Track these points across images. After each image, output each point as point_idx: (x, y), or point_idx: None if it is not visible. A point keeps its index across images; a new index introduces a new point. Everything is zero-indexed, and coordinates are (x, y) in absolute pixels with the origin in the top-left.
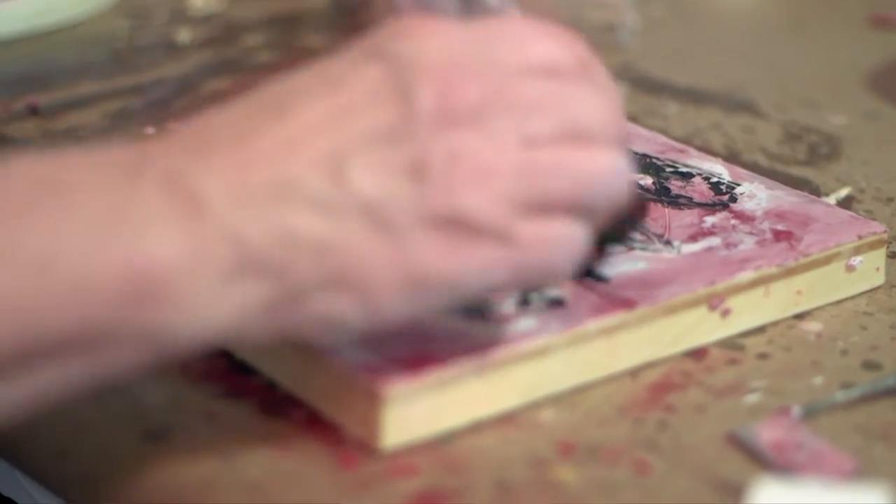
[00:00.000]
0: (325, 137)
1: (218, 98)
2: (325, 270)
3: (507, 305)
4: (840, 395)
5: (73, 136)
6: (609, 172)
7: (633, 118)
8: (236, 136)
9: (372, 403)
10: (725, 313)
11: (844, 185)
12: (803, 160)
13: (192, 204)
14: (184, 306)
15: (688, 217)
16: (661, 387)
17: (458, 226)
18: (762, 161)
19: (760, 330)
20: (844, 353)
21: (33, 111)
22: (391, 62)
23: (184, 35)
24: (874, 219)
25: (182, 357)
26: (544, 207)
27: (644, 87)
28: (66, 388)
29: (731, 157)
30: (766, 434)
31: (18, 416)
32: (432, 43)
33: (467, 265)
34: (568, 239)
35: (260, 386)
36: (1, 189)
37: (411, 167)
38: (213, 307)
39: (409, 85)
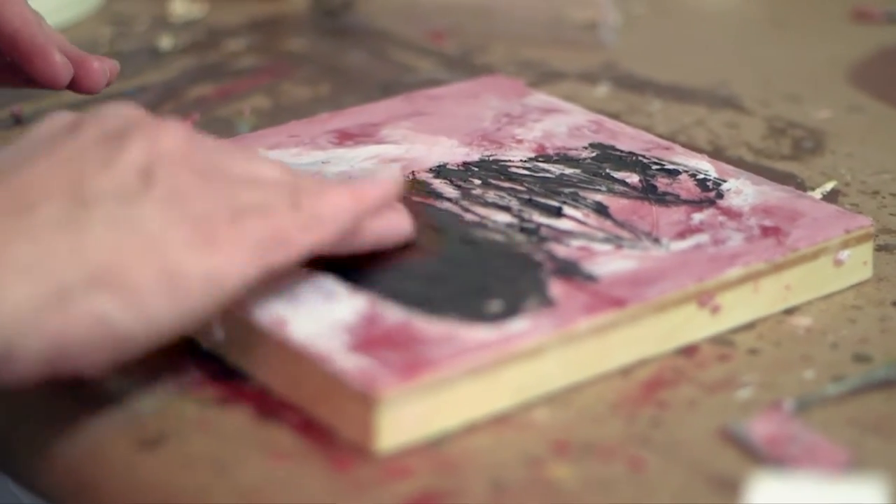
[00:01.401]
0: (57, 174)
1: (201, 104)
2: (84, 269)
3: (496, 305)
4: (832, 389)
5: None
6: None
7: (617, 116)
8: None
9: (366, 407)
10: (715, 310)
11: (829, 178)
12: (788, 155)
13: None
14: None
15: (675, 214)
16: (653, 384)
17: (195, 224)
18: (747, 156)
19: (750, 325)
20: (834, 346)
21: (17, 120)
22: (92, 125)
23: (166, 41)
24: (860, 212)
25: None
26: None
27: (627, 85)
28: None
29: (716, 154)
30: (760, 429)
31: None
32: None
33: (216, 258)
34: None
35: (253, 391)
36: None
37: (137, 177)
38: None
39: (120, 132)
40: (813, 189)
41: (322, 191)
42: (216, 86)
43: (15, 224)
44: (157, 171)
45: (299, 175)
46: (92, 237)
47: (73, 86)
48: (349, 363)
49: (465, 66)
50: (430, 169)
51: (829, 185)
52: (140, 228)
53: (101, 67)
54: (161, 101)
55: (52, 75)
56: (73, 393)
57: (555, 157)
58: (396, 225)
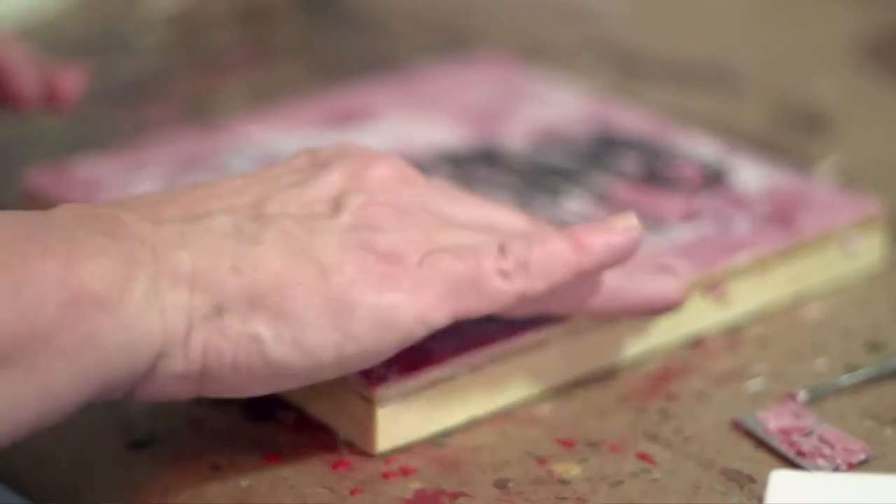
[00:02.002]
0: (246, 192)
1: (186, 96)
2: (243, 288)
3: None
4: (846, 379)
5: (39, 141)
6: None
7: (618, 95)
8: (154, 199)
9: (364, 404)
10: (722, 297)
11: (835, 158)
12: (793, 134)
13: (114, 224)
14: (112, 311)
15: (679, 200)
16: (660, 376)
17: (377, 257)
18: (751, 137)
19: (759, 314)
20: (846, 334)
21: None
22: (308, 154)
23: (150, 33)
24: (869, 194)
25: (122, 388)
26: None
27: (628, 65)
28: (6, 413)
29: (720, 135)
30: (773, 421)
31: None
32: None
33: (393, 295)
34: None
35: None
36: None
37: (328, 205)
38: (139, 314)
39: (328, 161)
40: (819, 169)
41: (540, 238)
42: (202, 76)
43: (184, 230)
44: (351, 200)
45: (528, 220)
46: (258, 253)
47: (45, 104)
48: None
49: (460, 47)
50: (426, 152)
51: (835, 166)
52: (313, 253)
53: (72, 82)
54: (146, 93)
55: (23, 96)
56: None
57: (554, 142)
58: (664, 292)
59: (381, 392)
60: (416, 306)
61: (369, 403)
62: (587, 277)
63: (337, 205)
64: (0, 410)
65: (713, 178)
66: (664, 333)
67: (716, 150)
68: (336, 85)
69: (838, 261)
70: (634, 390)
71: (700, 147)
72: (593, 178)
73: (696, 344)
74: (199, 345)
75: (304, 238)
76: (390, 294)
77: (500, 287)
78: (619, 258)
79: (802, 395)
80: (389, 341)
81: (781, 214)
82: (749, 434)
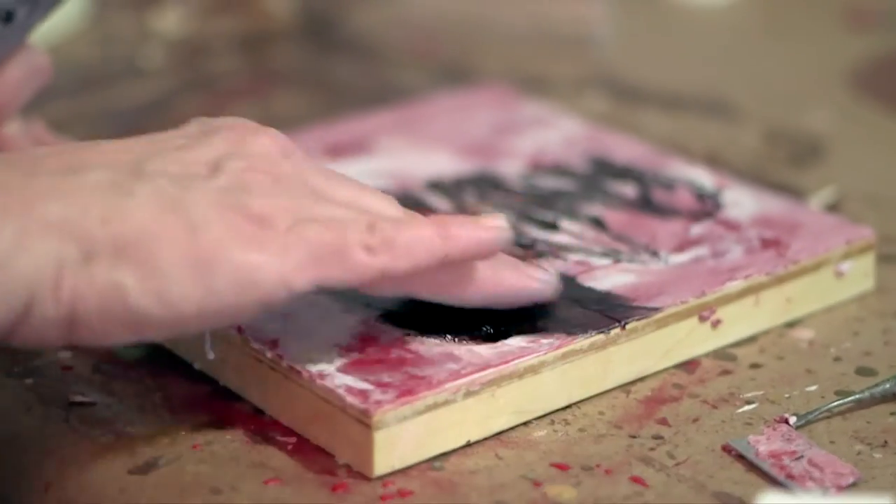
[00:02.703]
0: (129, 151)
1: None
2: (113, 236)
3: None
4: (836, 403)
5: None
6: None
7: (612, 125)
8: (37, 154)
9: (362, 428)
10: (716, 324)
11: (828, 186)
12: (786, 163)
13: None
14: (3, 258)
15: (673, 227)
16: (654, 400)
17: (247, 218)
18: (744, 165)
19: (752, 339)
20: (838, 359)
21: None
22: (199, 122)
23: (153, 57)
24: (861, 221)
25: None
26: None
27: (622, 95)
28: None
29: (712, 162)
30: (764, 444)
31: None
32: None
33: (257, 256)
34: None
35: (246, 413)
36: None
37: (207, 167)
38: (8, 260)
39: (216, 129)
40: (812, 197)
41: (410, 222)
42: (204, 101)
43: (58, 182)
44: (230, 164)
45: (403, 212)
46: (130, 206)
47: None
48: (343, 383)
49: (457, 76)
50: (423, 182)
51: (828, 193)
52: (184, 210)
53: None
54: (148, 117)
55: None
56: (65, 417)
57: (549, 170)
58: (526, 283)
59: (378, 416)
60: (279, 269)
61: (367, 428)
62: (450, 265)
63: (215, 167)
64: None
65: (707, 205)
66: (659, 359)
67: (710, 177)
68: (335, 113)
69: (831, 287)
70: (628, 415)
71: (694, 175)
72: (589, 205)
73: (690, 368)
74: (67, 291)
75: (177, 194)
76: (254, 254)
77: (363, 260)
78: (484, 252)
79: (793, 419)
80: (250, 300)
81: (774, 241)
82: (741, 457)
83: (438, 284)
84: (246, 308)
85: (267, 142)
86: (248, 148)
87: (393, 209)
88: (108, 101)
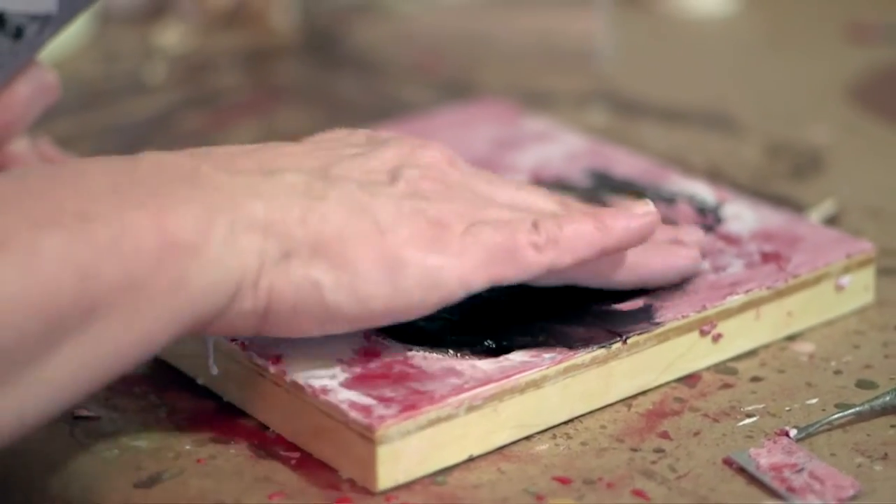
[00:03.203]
0: (312, 156)
1: (192, 135)
2: (308, 238)
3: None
4: (837, 415)
5: None
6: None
7: (612, 139)
8: (229, 152)
9: (365, 443)
10: (717, 338)
11: (828, 199)
12: (786, 176)
13: (194, 174)
14: (198, 255)
15: None
16: (655, 414)
17: (428, 223)
18: (745, 178)
19: (752, 353)
20: (838, 372)
21: None
22: (366, 133)
23: (156, 73)
24: (861, 235)
25: (203, 326)
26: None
27: (623, 109)
28: (109, 359)
29: (713, 176)
30: (764, 457)
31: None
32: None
33: (440, 257)
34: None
35: (250, 428)
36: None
37: (386, 174)
38: (220, 257)
39: (385, 140)
40: (812, 211)
41: (567, 217)
42: (207, 117)
43: (258, 183)
44: (407, 172)
45: (572, 206)
46: (324, 208)
47: None
48: (346, 399)
49: (459, 91)
50: None
51: (828, 207)
52: (371, 214)
53: None
54: (151, 133)
55: None
56: (70, 431)
57: (550, 184)
58: (673, 263)
59: (381, 431)
60: (458, 269)
61: (370, 442)
62: (610, 254)
63: (394, 175)
64: (106, 354)
65: (707, 220)
66: (660, 373)
67: (710, 191)
68: (337, 126)
69: (831, 300)
70: (630, 428)
71: (695, 189)
72: None
73: (691, 382)
74: (266, 285)
75: (365, 199)
76: (437, 256)
77: (532, 258)
78: (638, 239)
79: (794, 432)
80: (433, 299)
81: (775, 255)
82: (742, 470)
83: (596, 272)
84: (428, 305)
85: (435, 153)
86: (419, 158)
87: (550, 203)
88: (112, 117)
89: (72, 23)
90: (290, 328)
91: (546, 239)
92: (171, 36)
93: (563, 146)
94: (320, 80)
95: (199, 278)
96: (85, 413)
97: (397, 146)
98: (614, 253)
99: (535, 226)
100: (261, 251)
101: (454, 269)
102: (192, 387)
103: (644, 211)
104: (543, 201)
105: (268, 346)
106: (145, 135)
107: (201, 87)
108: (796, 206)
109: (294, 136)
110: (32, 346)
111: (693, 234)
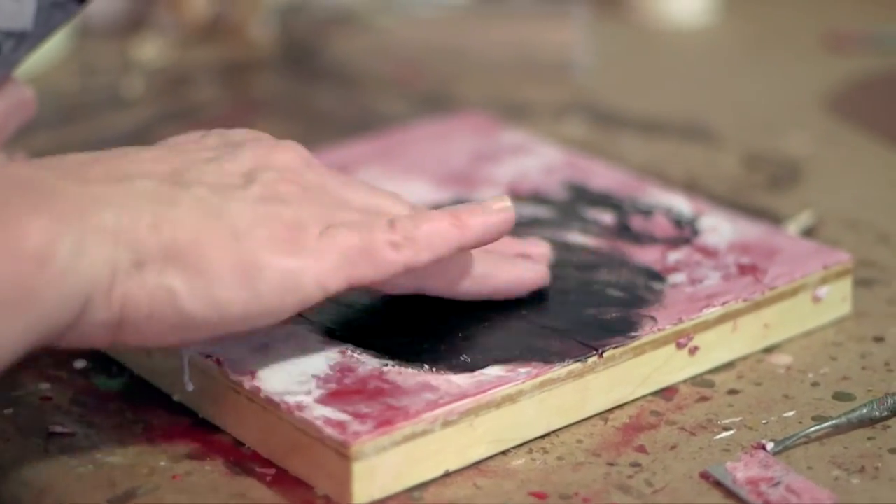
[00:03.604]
0: (165, 161)
1: None
2: (162, 243)
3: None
4: (814, 428)
5: None
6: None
7: (591, 150)
8: (79, 160)
9: (340, 459)
10: (694, 351)
11: (807, 211)
12: (764, 187)
13: (41, 185)
14: (47, 266)
15: (651, 254)
16: (632, 428)
17: (284, 226)
18: (722, 190)
19: (730, 365)
20: (815, 384)
21: None
22: (219, 134)
23: (134, 87)
24: (839, 245)
25: (54, 337)
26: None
27: (602, 120)
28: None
29: (690, 188)
30: (741, 471)
31: None
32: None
33: (297, 260)
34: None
35: (225, 445)
36: None
37: (240, 177)
38: (70, 267)
39: (240, 142)
40: (790, 222)
41: (423, 216)
42: (185, 130)
43: (107, 191)
44: (261, 175)
45: (412, 207)
46: (177, 214)
47: None
48: (321, 415)
49: (437, 104)
50: None
51: (806, 218)
52: (226, 218)
53: None
54: (129, 145)
55: None
56: (44, 447)
57: (527, 198)
58: (517, 277)
59: (356, 448)
60: (316, 272)
61: (345, 459)
62: (467, 250)
63: (248, 178)
64: None
65: (685, 232)
66: (637, 386)
67: (687, 204)
68: (316, 141)
69: (808, 311)
70: (606, 443)
71: (672, 201)
72: (567, 232)
73: (668, 395)
74: (119, 295)
75: (219, 204)
76: (294, 259)
77: (390, 257)
78: (495, 235)
79: (771, 445)
80: (291, 302)
81: (752, 267)
82: (718, 484)
83: (446, 283)
84: (286, 309)
85: (291, 154)
86: (274, 160)
87: (404, 207)
88: (89, 132)
89: (48, 39)
90: (146, 337)
91: (403, 237)
92: (150, 50)
93: (541, 159)
94: (298, 92)
95: (47, 292)
96: (59, 429)
97: (252, 148)
98: (471, 248)
99: (392, 225)
100: (111, 261)
101: (311, 271)
102: (167, 403)
103: (500, 206)
104: (398, 204)
105: (243, 362)
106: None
107: (179, 100)
108: (774, 218)
109: None
110: None
111: (539, 248)
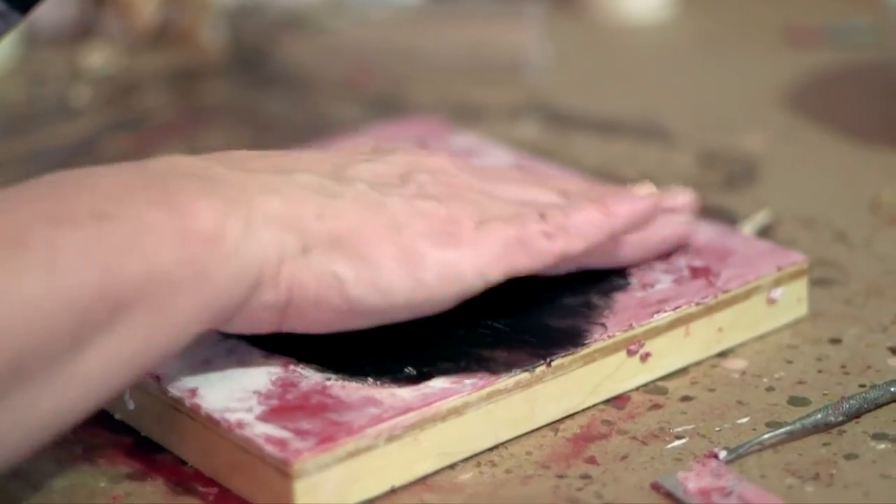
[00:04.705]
0: (323, 160)
1: (118, 158)
2: (327, 231)
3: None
4: (767, 435)
5: None
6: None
7: (544, 152)
8: (242, 155)
9: (281, 477)
10: (645, 357)
11: (763, 209)
12: (720, 186)
13: (207, 172)
14: (219, 247)
15: None
16: (582, 438)
17: (441, 220)
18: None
19: (683, 371)
20: (770, 389)
21: None
22: (372, 145)
23: (82, 95)
24: (795, 245)
25: (226, 318)
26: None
27: (555, 120)
28: (139, 354)
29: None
30: (693, 481)
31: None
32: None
33: (456, 251)
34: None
35: (168, 464)
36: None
37: (396, 177)
38: (241, 248)
39: (391, 149)
40: (745, 221)
41: (573, 207)
42: (133, 139)
43: (274, 180)
44: (416, 176)
45: (575, 195)
46: (340, 206)
47: None
48: (262, 432)
49: (389, 107)
50: None
51: (762, 217)
52: (386, 211)
53: None
54: (78, 155)
55: None
56: None
57: None
58: (670, 234)
59: (297, 465)
60: (476, 262)
61: (287, 477)
62: (618, 236)
63: (404, 178)
64: (136, 349)
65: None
66: (587, 395)
67: None
68: (266, 148)
69: (762, 314)
70: (556, 454)
71: None
72: None
73: (619, 403)
74: (287, 278)
75: (378, 199)
76: (454, 250)
77: (544, 246)
78: (643, 220)
79: (723, 453)
80: (453, 291)
81: (704, 269)
82: (670, 495)
83: (604, 254)
84: (448, 298)
85: (441, 159)
86: (427, 163)
87: (553, 196)
88: (37, 142)
89: None
90: (312, 321)
91: (555, 227)
92: (98, 57)
93: (491, 161)
94: (249, 98)
95: (220, 270)
96: None
97: (405, 153)
98: (622, 234)
99: (543, 216)
100: (279, 243)
101: (471, 261)
102: (109, 422)
103: (646, 193)
104: (547, 195)
105: (184, 378)
106: (71, 159)
107: (127, 108)
108: (730, 217)
109: None
110: (62, 343)
111: (679, 198)
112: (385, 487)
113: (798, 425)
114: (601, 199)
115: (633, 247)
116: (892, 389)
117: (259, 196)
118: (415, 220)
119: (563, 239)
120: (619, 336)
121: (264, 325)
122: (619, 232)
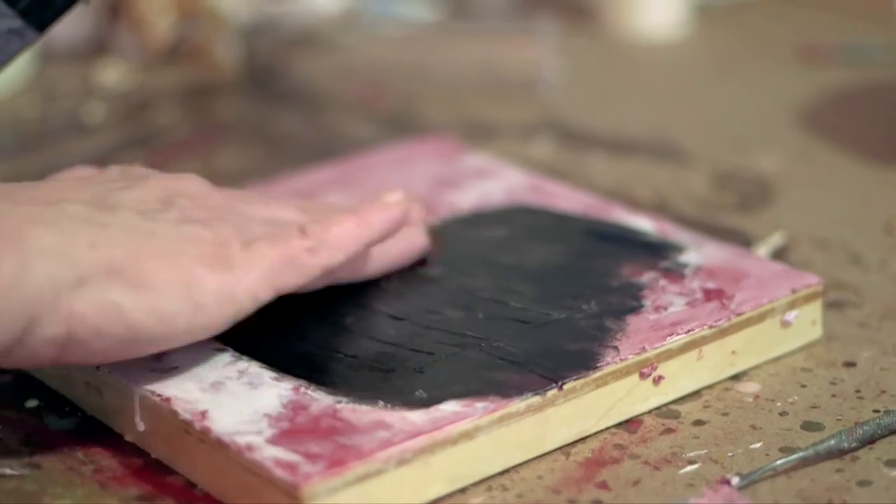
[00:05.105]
0: (83, 188)
1: None
2: (102, 261)
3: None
4: (781, 461)
5: None
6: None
7: (557, 171)
8: (5, 187)
9: (291, 501)
10: (658, 380)
11: (779, 232)
12: (734, 207)
13: None
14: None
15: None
16: (594, 462)
17: (209, 243)
18: (692, 209)
19: (696, 395)
20: (784, 414)
21: None
22: (118, 168)
23: (96, 112)
24: (809, 267)
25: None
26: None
27: (568, 138)
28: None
29: (659, 208)
30: None
31: None
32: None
33: (230, 274)
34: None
35: (178, 486)
36: None
37: (159, 202)
38: (13, 283)
39: (142, 175)
40: (760, 243)
41: (329, 220)
42: (147, 155)
43: (42, 213)
44: (176, 200)
45: (313, 210)
46: (112, 234)
47: None
48: (272, 455)
49: (402, 124)
50: None
51: (776, 238)
52: (156, 237)
53: None
54: None
55: None
56: None
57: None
58: (409, 245)
59: (307, 489)
60: (248, 284)
61: (296, 501)
62: (373, 245)
63: (165, 203)
64: None
65: (652, 256)
66: (599, 419)
67: (652, 226)
68: (279, 165)
69: (776, 337)
70: (567, 478)
71: (637, 224)
72: (532, 254)
73: (632, 427)
74: (65, 311)
75: (147, 225)
76: (228, 273)
77: (310, 262)
78: (396, 226)
79: (736, 480)
80: (228, 314)
81: (718, 292)
82: None
83: (356, 268)
84: (224, 321)
85: (195, 182)
86: (182, 188)
87: (299, 213)
88: (51, 158)
89: (6, 67)
90: (94, 353)
91: (316, 241)
92: (112, 74)
93: (504, 182)
94: (262, 115)
95: (15, 301)
96: (8, 471)
97: (158, 178)
98: (377, 243)
99: (303, 231)
100: (53, 277)
101: (244, 283)
102: (119, 443)
103: (395, 200)
104: (291, 211)
105: (195, 400)
106: None
107: (141, 126)
108: (744, 239)
109: (234, 173)
110: None
111: (414, 213)
112: None
113: (811, 451)
114: (355, 210)
115: (376, 260)
116: None
117: (29, 228)
118: (186, 245)
119: (325, 252)
120: (632, 359)
121: (46, 360)
122: (376, 240)
